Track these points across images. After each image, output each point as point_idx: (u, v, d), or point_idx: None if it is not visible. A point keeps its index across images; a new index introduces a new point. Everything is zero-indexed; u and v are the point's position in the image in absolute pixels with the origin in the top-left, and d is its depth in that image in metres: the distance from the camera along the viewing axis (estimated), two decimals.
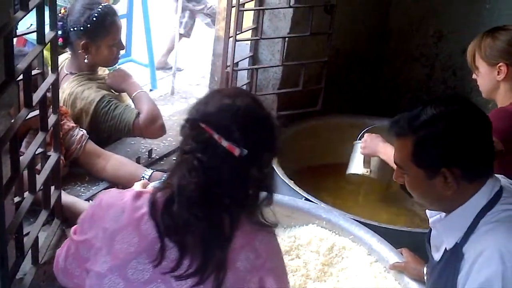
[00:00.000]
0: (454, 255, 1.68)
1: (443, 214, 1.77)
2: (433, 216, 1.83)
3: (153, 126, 2.68)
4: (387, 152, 2.71)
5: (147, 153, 2.76)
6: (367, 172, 2.92)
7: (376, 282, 2.24)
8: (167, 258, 1.44)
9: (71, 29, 2.67)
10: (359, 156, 2.95)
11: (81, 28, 2.65)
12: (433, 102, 1.72)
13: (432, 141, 1.64)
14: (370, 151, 2.84)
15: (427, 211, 1.87)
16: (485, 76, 2.35)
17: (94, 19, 2.65)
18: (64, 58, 2.81)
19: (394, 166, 2.55)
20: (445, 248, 1.74)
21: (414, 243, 2.38)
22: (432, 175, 1.66)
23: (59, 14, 2.64)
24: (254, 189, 1.48)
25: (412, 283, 2.18)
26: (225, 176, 1.43)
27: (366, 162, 2.93)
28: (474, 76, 2.42)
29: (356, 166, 2.98)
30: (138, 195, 1.51)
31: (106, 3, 2.85)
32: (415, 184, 1.73)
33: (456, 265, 1.66)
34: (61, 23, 2.62)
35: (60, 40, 2.61)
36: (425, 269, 2.15)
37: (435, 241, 1.83)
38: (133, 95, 2.75)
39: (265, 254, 1.53)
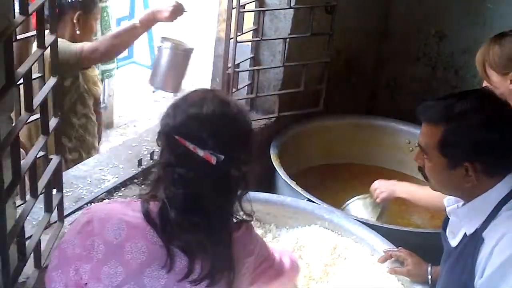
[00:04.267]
0: (474, 240, 1.71)
1: (460, 203, 1.80)
2: (450, 205, 1.86)
3: (99, 53, 2.88)
4: (409, 190, 2.60)
5: (149, 155, 2.76)
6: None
7: (378, 282, 2.24)
8: (179, 264, 1.46)
9: (68, 1, 2.89)
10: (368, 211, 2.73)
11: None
12: (470, 95, 1.76)
13: (462, 134, 1.67)
14: (388, 194, 2.64)
15: (444, 200, 1.90)
16: (497, 85, 2.25)
17: None
18: None
19: (417, 203, 2.54)
20: (465, 234, 1.77)
21: (416, 243, 2.39)
22: (454, 166, 1.69)
23: None
24: (235, 188, 1.51)
25: (415, 284, 2.18)
26: (208, 185, 1.44)
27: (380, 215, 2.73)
28: (485, 84, 2.31)
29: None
30: (127, 204, 1.52)
31: None
32: (435, 170, 1.76)
33: (475, 249, 1.69)
34: None
35: None
36: (429, 268, 2.15)
37: (453, 228, 1.86)
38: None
39: (256, 251, 1.62)
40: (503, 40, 2.25)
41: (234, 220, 1.56)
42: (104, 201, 1.66)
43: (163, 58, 2.99)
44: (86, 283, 1.46)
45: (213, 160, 1.42)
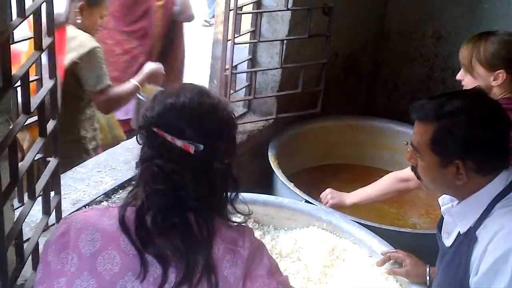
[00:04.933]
0: (467, 239, 1.72)
1: (455, 202, 1.81)
2: (445, 204, 1.87)
3: (105, 107, 3.07)
4: (360, 195, 2.71)
5: None
6: None
7: (377, 283, 2.24)
8: (153, 273, 1.39)
9: None
10: None
11: None
12: (461, 94, 1.79)
13: (453, 131, 1.68)
14: (338, 201, 2.70)
15: (439, 199, 1.91)
16: (479, 79, 2.32)
17: None
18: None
19: (374, 200, 2.63)
20: (459, 232, 1.78)
21: (415, 244, 2.39)
22: (446, 164, 1.70)
23: None
24: (221, 184, 1.45)
25: (413, 285, 2.18)
26: (188, 177, 1.39)
27: None
28: (459, 76, 2.39)
29: None
30: (103, 212, 1.46)
31: None
32: (427, 169, 1.76)
33: (469, 248, 1.70)
34: None
35: None
36: (427, 269, 2.15)
37: (447, 228, 1.86)
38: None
39: (250, 257, 1.48)
40: (493, 38, 2.31)
41: (234, 224, 1.49)
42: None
43: (141, 107, 3.11)
44: None
45: (192, 149, 1.38)
